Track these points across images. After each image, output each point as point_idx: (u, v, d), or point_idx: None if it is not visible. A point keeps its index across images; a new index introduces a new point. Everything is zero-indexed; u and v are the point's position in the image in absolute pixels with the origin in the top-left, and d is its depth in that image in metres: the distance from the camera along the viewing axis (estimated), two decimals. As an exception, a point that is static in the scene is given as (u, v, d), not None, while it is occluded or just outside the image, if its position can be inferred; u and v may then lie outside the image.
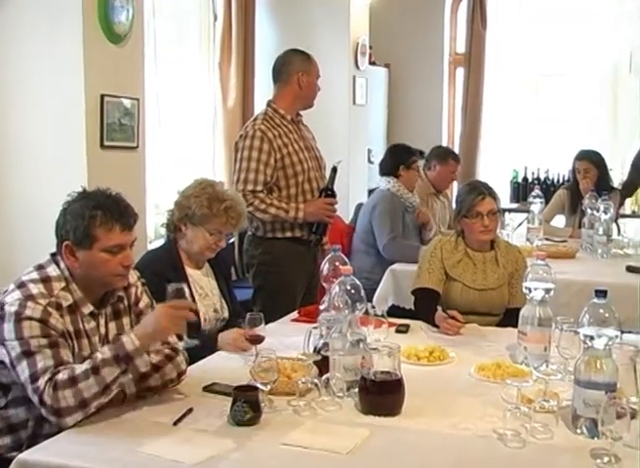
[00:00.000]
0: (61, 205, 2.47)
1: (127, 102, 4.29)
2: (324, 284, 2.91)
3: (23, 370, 2.25)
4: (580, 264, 4.76)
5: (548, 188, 7.33)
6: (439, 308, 3.48)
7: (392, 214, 5.07)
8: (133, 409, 2.35)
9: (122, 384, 2.32)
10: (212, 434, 2.18)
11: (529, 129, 8.15)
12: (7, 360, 2.30)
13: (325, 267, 2.91)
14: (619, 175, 7.17)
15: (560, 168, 7.55)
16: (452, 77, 8.43)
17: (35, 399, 2.23)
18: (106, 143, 4.17)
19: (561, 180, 7.58)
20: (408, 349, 2.90)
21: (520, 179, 7.92)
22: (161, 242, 3.65)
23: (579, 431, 2.19)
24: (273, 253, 4.12)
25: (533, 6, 8.03)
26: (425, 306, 3.52)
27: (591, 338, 2.20)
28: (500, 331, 3.35)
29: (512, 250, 3.72)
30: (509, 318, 3.34)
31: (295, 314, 3.61)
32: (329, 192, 4.14)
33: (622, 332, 2.34)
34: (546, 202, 5.78)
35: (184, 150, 6.01)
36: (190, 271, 3.28)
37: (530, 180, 7.79)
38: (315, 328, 2.70)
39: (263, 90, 5.45)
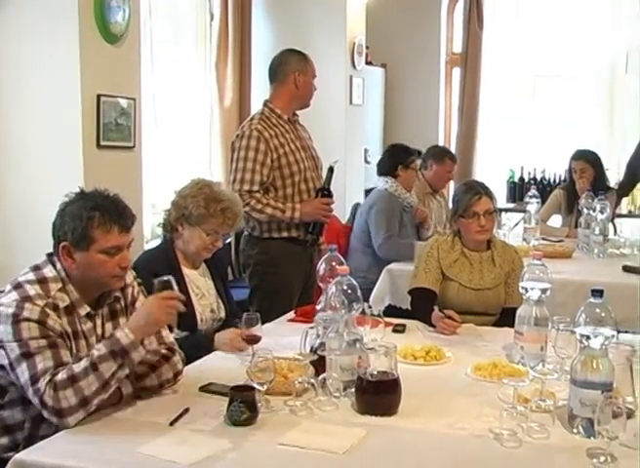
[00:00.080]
0: (58, 205, 2.46)
1: (123, 102, 4.29)
2: (320, 284, 2.91)
3: (23, 372, 2.25)
4: (576, 264, 4.77)
5: (545, 188, 7.34)
6: (436, 308, 3.49)
7: (389, 213, 5.07)
8: (129, 410, 2.35)
9: (120, 379, 2.32)
10: (208, 434, 2.18)
11: (525, 129, 8.15)
12: (5, 362, 2.29)
13: (321, 267, 2.91)
14: (615, 175, 7.18)
15: (556, 167, 7.56)
16: (448, 77, 8.44)
17: (36, 400, 2.23)
18: (103, 143, 4.16)
19: (557, 180, 7.58)
20: (404, 349, 2.90)
21: (516, 179, 7.93)
22: (157, 242, 3.65)
23: (575, 430, 2.19)
24: (270, 254, 4.12)
25: (529, 6, 8.04)
26: (422, 306, 3.53)
27: (587, 338, 2.20)
28: (497, 331, 3.35)
29: (509, 249, 3.73)
30: (506, 318, 3.34)
31: (291, 314, 3.61)
32: (325, 192, 4.14)
33: (619, 332, 2.34)
34: (543, 202, 5.78)
35: (181, 150, 6.00)
36: (187, 271, 3.28)
37: (526, 180, 7.79)
38: (312, 327, 2.70)
39: (260, 90, 5.45)
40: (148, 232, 5.15)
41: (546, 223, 5.86)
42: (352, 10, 6.94)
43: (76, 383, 2.22)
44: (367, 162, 7.52)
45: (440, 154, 5.77)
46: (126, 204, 2.51)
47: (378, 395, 2.34)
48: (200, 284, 3.31)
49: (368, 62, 7.55)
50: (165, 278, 2.44)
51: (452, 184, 7.50)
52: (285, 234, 4.11)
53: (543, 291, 2.81)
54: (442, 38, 8.28)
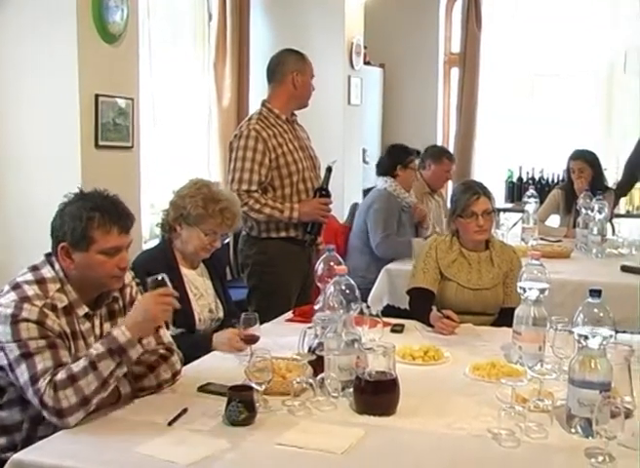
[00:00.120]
0: (58, 206, 2.46)
1: (121, 102, 4.28)
2: (319, 284, 2.91)
3: (23, 373, 2.25)
4: (574, 264, 4.77)
5: (543, 188, 7.34)
6: (434, 308, 3.49)
7: (387, 213, 5.08)
8: (127, 410, 2.35)
9: (118, 378, 2.32)
10: (206, 434, 2.18)
11: (524, 128, 8.16)
12: (4, 363, 2.29)
13: (319, 267, 2.91)
14: (613, 175, 7.18)
15: (555, 167, 7.56)
16: (447, 77, 8.44)
17: (36, 401, 2.23)
18: (101, 143, 4.16)
19: (556, 180, 7.59)
20: (403, 349, 2.90)
21: (515, 179, 7.93)
22: (156, 242, 3.65)
23: (573, 430, 2.19)
24: (268, 253, 4.12)
25: (528, 6, 8.04)
26: (420, 306, 3.53)
27: (586, 338, 2.20)
28: (495, 331, 3.35)
29: (507, 249, 3.73)
30: (504, 318, 3.34)
31: (289, 314, 3.61)
32: (323, 192, 4.14)
33: (617, 332, 2.35)
34: (541, 202, 5.78)
35: (179, 150, 6.00)
36: (185, 271, 3.28)
37: (524, 180, 7.80)
38: (310, 327, 2.70)
39: (258, 89, 5.45)
40: (147, 232, 5.15)
41: (545, 223, 5.86)
42: (350, 10, 6.94)
43: (76, 382, 2.22)
44: (365, 162, 7.52)
45: (438, 154, 5.78)
46: (125, 205, 2.51)
47: (376, 395, 2.34)
48: (198, 284, 3.31)
49: (366, 62, 7.55)
50: (158, 276, 2.44)
51: (450, 184, 7.50)
52: (283, 234, 4.11)
53: (542, 291, 2.81)
54: (440, 38, 8.28)
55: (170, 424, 2.23)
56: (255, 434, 2.19)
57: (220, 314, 3.34)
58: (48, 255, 2.47)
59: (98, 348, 2.29)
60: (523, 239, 5.32)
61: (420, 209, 5.29)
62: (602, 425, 1.98)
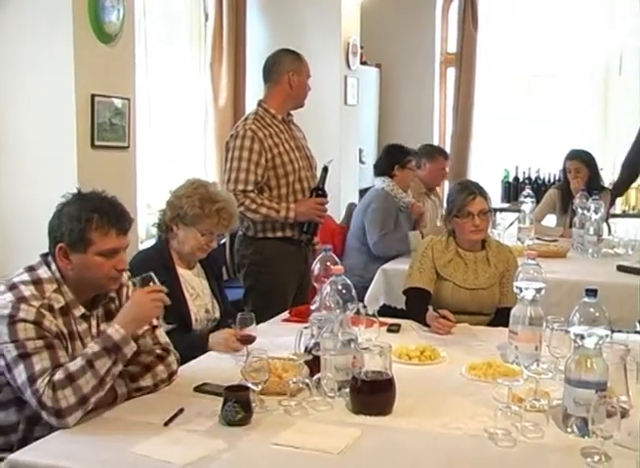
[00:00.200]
0: (55, 206, 2.46)
1: (118, 102, 4.28)
2: (315, 284, 2.90)
3: (20, 373, 2.24)
4: (570, 264, 4.78)
5: (539, 188, 7.34)
6: (430, 308, 3.49)
7: (385, 212, 5.10)
8: (123, 410, 2.35)
9: (114, 376, 2.32)
10: (203, 434, 2.18)
11: (520, 129, 8.16)
12: (1, 363, 2.29)
13: (316, 267, 2.90)
14: (609, 175, 7.19)
15: (551, 167, 7.57)
16: (443, 77, 8.44)
17: (34, 402, 2.22)
18: (97, 143, 4.16)
19: (552, 180, 7.59)
20: (399, 349, 2.90)
21: (511, 179, 7.94)
22: (152, 242, 3.65)
23: (569, 430, 2.20)
24: (264, 253, 4.12)
25: (524, 6, 8.04)
26: (417, 306, 3.53)
27: (582, 337, 2.21)
28: (491, 331, 3.36)
29: (503, 249, 3.73)
30: (500, 317, 3.34)
31: (286, 314, 3.61)
32: (320, 192, 4.14)
33: (613, 332, 2.35)
34: (537, 201, 5.79)
35: (176, 150, 6.00)
36: (182, 271, 3.28)
37: (521, 180, 7.80)
38: (306, 327, 2.69)
39: (255, 89, 5.45)
40: (143, 232, 5.15)
41: (541, 223, 5.86)
42: (347, 10, 6.94)
43: (74, 382, 2.22)
44: (361, 162, 7.53)
45: (432, 152, 5.81)
46: (124, 206, 2.51)
47: (372, 395, 2.34)
48: (195, 284, 3.31)
49: (362, 62, 7.55)
50: (146, 275, 2.46)
51: (447, 184, 7.51)
52: (279, 234, 4.11)
53: (538, 290, 2.81)
54: (437, 38, 8.28)
55: (166, 424, 2.23)
56: (251, 434, 2.19)
57: (217, 314, 3.33)
58: (44, 256, 2.47)
59: (93, 347, 2.30)
60: (519, 239, 5.32)
61: (417, 206, 5.30)
62: (598, 425, 1.98)
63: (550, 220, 6.05)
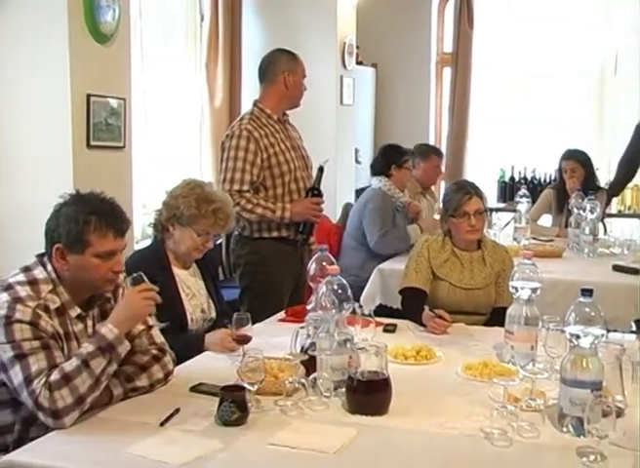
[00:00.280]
0: (53, 206, 2.45)
1: (113, 102, 4.28)
2: (311, 283, 2.91)
3: (17, 374, 2.24)
4: (566, 263, 4.78)
5: (535, 188, 7.35)
6: (426, 307, 3.49)
7: (383, 211, 5.11)
8: (119, 410, 2.35)
9: (109, 375, 2.32)
10: (199, 434, 2.18)
11: (516, 128, 8.17)
12: None
13: (312, 267, 2.90)
14: (605, 175, 7.20)
15: (547, 167, 7.58)
16: (439, 77, 8.44)
17: (30, 402, 2.22)
18: (93, 143, 4.15)
19: (548, 180, 7.60)
20: (395, 348, 2.90)
21: (507, 179, 7.95)
22: (148, 242, 3.65)
23: (565, 429, 2.20)
24: (260, 253, 4.12)
25: (520, 6, 8.05)
26: (413, 305, 3.53)
27: (577, 337, 2.21)
28: (487, 331, 3.36)
29: (499, 249, 3.73)
30: (496, 317, 3.35)
31: (282, 314, 3.61)
32: (315, 192, 4.14)
33: (608, 331, 2.35)
34: (533, 201, 5.79)
35: (171, 150, 6.00)
36: (177, 271, 3.28)
37: (517, 180, 7.81)
38: (302, 327, 2.70)
39: (250, 89, 5.45)
40: (139, 232, 5.14)
41: (537, 223, 5.87)
42: (343, 10, 6.94)
43: (71, 382, 2.22)
44: (357, 162, 7.53)
45: (425, 151, 5.83)
46: (122, 208, 2.51)
47: (368, 395, 2.34)
48: (191, 284, 3.31)
49: (358, 62, 7.55)
50: (135, 275, 2.47)
51: (442, 184, 7.52)
52: (275, 234, 4.11)
53: (534, 290, 2.81)
54: (432, 38, 8.29)
55: (162, 424, 2.23)
56: (247, 434, 2.19)
57: (213, 314, 3.33)
58: (40, 256, 2.46)
59: (87, 347, 2.30)
60: (515, 238, 5.32)
61: (413, 204, 5.31)
62: (593, 424, 1.98)
63: (546, 220, 6.06)
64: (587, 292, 2.26)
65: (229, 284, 4.70)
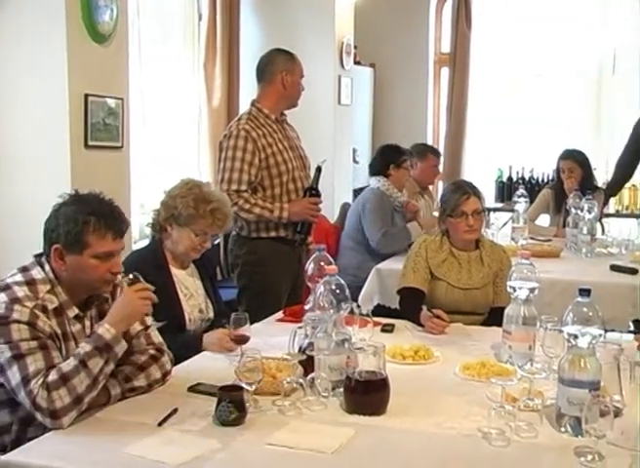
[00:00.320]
0: (52, 206, 2.45)
1: (111, 102, 4.28)
2: (309, 283, 2.90)
3: (14, 375, 2.24)
4: (564, 263, 4.78)
5: (533, 188, 7.35)
6: (424, 307, 3.49)
7: (382, 211, 5.13)
8: (117, 410, 2.35)
9: (106, 375, 2.32)
10: (197, 434, 2.18)
11: (514, 128, 8.16)
12: None
13: (310, 267, 2.90)
14: (602, 175, 7.20)
15: (544, 167, 7.58)
16: (437, 77, 8.44)
17: (28, 403, 2.21)
18: (91, 143, 4.15)
19: (545, 180, 7.60)
20: (393, 348, 2.90)
21: (505, 179, 7.94)
22: (146, 242, 3.64)
23: (563, 429, 2.20)
24: (258, 253, 4.12)
25: (518, 7, 8.05)
26: (410, 305, 3.53)
27: (575, 337, 2.21)
28: (485, 331, 3.36)
29: (497, 249, 3.74)
30: (494, 317, 3.35)
31: (280, 314, 3.61)
32: (313, 192, 4.14)
33: (606, 331, 2.35)
34: (531, 201, 5.80)
35: (169, 150, 5.99)
36: (175, 271, 3.28)
37: (514, 180, 7.81)
38: (300, 327, 2.69)
39: (248, 89, 5.44)
40: (137, 232, 5.14)
41: (534, 223, 5.87)
42: (341, 9, 6.94)
43: (69, 382, 2.22)
44: (355, 162, 7.53)
45: (422, 151, 5.85)
46: (121, 209, 2.51)
47: (366, 394, 2.34)
48: (189, 284, 3.31)
49: (356, 62, 7.55)
50: (132, 275, 2.47)
51: (440, 184, 7.52)
52: (273, 234, 4.11)
53: (531, 290, 2.81)
54: (430, 38, 8.28)
55: (160, 424, 2.23)
56: (245, 434, 2.19)
57: (211, 314, 3.33)
58: (37, 256, 2.46)
59: (84, 347, 2.30)
60: (513, 238, 5.33)
61: (411, 204, 5.32)
62: (591, 424, 1.98)
63: (544, 220, 6.06)
64: (585, 292, 2.26)
65: (227, 284, 4.70)
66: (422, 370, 2.82)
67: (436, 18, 8.32)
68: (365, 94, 8.06)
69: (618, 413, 2.15)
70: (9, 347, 2.24)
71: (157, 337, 2.61)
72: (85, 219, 2.38)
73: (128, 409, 2.37)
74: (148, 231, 3.47)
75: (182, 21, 6.13)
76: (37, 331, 2.27)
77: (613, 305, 3.85)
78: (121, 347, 2.36)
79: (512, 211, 5.64)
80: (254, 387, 2.33)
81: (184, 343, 2.97)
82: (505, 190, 7.87)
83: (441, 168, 6.35)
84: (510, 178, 7.89)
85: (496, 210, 7.44)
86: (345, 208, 5.83)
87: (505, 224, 5.90)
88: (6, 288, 2.34)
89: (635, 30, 7.61)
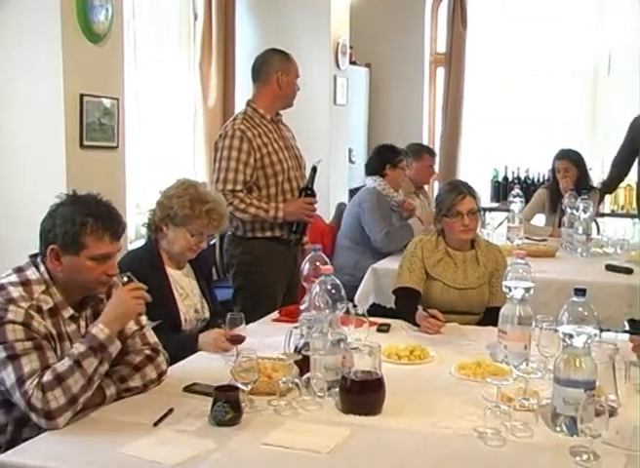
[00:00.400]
0: (49, 206, 2.45)
1: (106, 102, 4.27)
2: (304, 283, 2.91)
3: (9, 375, 2.23)
4: (559, 263, 4.79)
5: (528, 187, 7.36)
6: (420, 307, 3.49)
7: (381, 210, 5.13)
8: (112, 410, 2.35)
9: (101, 375, 2.32)
10: (192, 434, 2.18)
11: (509, 128, 8.16)
12: None
13: (305, 267, 2.91)
14: (598, 175, 7.21)
15: (540, 167, 7.59)
16: (432, 77, 8.44)
17: (22, 403, 2.21)
18: (86, 143, 4.14)
19: (541, 180, 7.61)
20: (388, 348, 2.90)
21: (500, 179, 7.95)
22: (141, 242, 3.64)
23: (558, 429, 2.20)
24: (253, 253, 4.11)
25: (513, 7, 8.05)
26: (406, 305, 3.53)
27: (570, 337, 2.21)
28: (481, 330, 3.36)
29: (492, 249, 3.74)
30: (489, 317, 3.35)
31: (275, 314, 3.61)
32: (309, 192, 4.14)
33: (601, 331, 2.35)
34: (526, 201, 5.81)
35: (165, 150, 5.99)
36: (171, 271, 3.27)
37: (510, 180, 7.82)
38: (296, 327, 2.70)
39: (244, 89, 5.44)
40: (132, 232, 5.13)
41: (530, 222, 5.88)
42: (336, 9, 6.94)
43: (63, 382, 2.22)
44: (351, 162, 7.53)
45: (417, 151, 5.85)
46: (118, 211, 2.51)
47: (362, 394, 2.34)
48: (184, 284, 3.30)
49: (352, 62, 7.55)
50: (125, 275, 2.48)
51: (436, 184, 7.52)
52: (268, 234, 4.11)
53: (527, 290, 2.82)
54: (426, 38, 8.29)
55: (155, 424, 2.23)
56: (241, 434, 2.19)
57: (206, 314, 3.33)
58: (32, 257, 2.46)
59: (79, 347, 2.30)
60: (508, 238, 5.33)
61: (408, 202, 5.32)
62: (587, 423, 1.99)
63: (539, 220, 6.07)
64: (580, 292, 2.27)
65: (223, 284, 4.70)
66: (418, 370, 2.82)
67: (432, 18, 8.33)
68: (360, 94, 8.06)
69: (613, 413, 2.15)
70: (4, 348, 2.24)
71: (153, 337, 2.61)
72: (83, 221, 2.38)
73: (123, 409, 2.37)
74: (144, 231, 3.47)
75: (178, 21, 6.12)
76: (32, 332, 2.27)
77: (608, 305, 3.86)
78: (115, 347, 2.36)
79: (508, 210, 5.65)
80: (249, 387, 2.33)
81: (180, 343, 2.96)
82: (501, 190, 7.88)
83: (436, 168, 6.35)
84: (506, 178, 7.90)
85: (491, 209, 7.45)
86: (341, 208, 5.84)
87: (501, 224, 5.91)
88: (1, 288, 2.33)
89: (631, 30, 7.62)
